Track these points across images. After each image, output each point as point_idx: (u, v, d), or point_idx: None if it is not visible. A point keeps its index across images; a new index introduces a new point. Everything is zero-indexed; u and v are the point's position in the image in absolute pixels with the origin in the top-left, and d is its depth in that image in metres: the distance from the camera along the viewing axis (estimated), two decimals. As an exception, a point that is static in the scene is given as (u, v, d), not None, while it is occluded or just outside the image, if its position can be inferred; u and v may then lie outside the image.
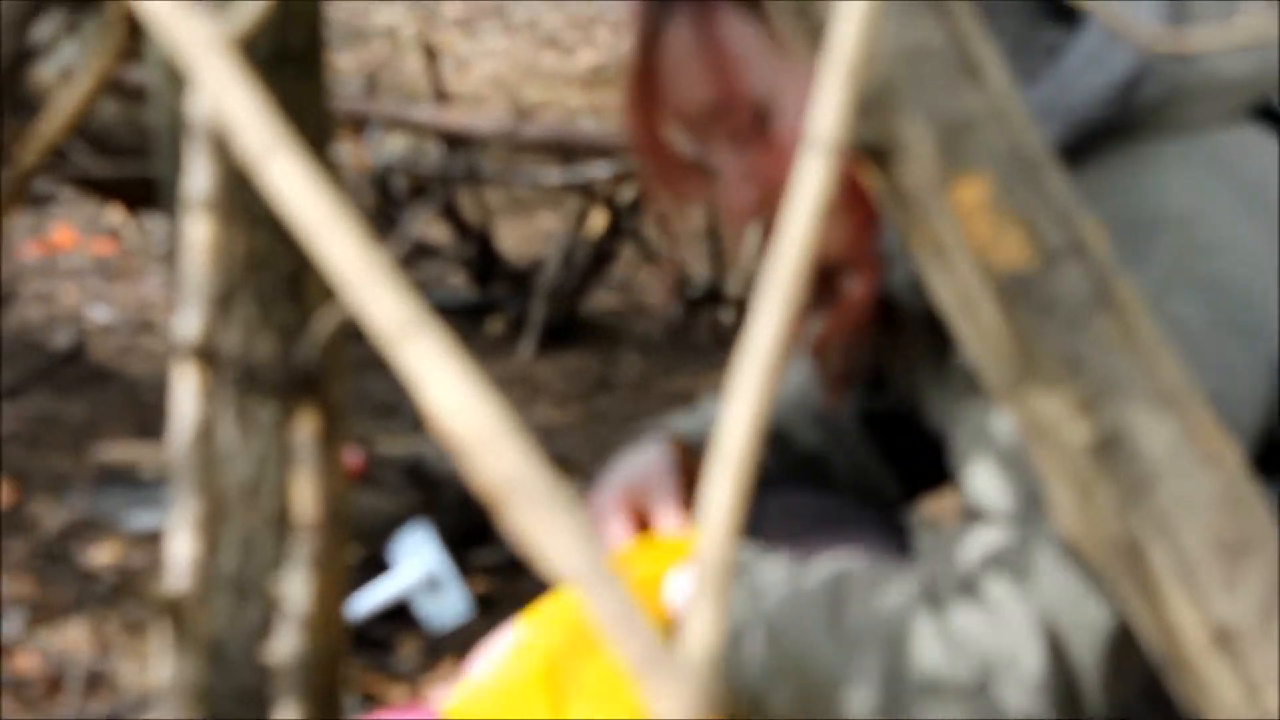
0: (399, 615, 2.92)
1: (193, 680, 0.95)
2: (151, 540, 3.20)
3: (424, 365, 0.71)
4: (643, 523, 1.82)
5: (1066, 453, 1.04)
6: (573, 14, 8.10)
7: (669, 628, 1.70)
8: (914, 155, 0.99)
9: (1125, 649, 1.54)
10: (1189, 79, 1.59)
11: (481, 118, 4.31)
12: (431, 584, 2.90)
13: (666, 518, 1.81)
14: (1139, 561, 1.04)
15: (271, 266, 1.44)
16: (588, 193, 4.14)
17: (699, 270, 4.18)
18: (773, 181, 1.63)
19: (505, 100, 6.75)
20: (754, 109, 1.66)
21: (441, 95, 4.33)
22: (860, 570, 1.68)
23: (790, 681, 1.66)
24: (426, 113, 4.16)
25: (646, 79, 1.71)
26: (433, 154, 4.67)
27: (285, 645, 1.14)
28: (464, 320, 4.39)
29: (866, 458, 1.99)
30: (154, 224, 4.98)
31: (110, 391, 3.86)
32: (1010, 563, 1.59)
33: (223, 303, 0.98)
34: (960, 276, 1.02)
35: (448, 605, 2.90)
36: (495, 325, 4.27)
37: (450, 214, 4.33)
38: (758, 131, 1.66)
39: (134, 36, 1.32)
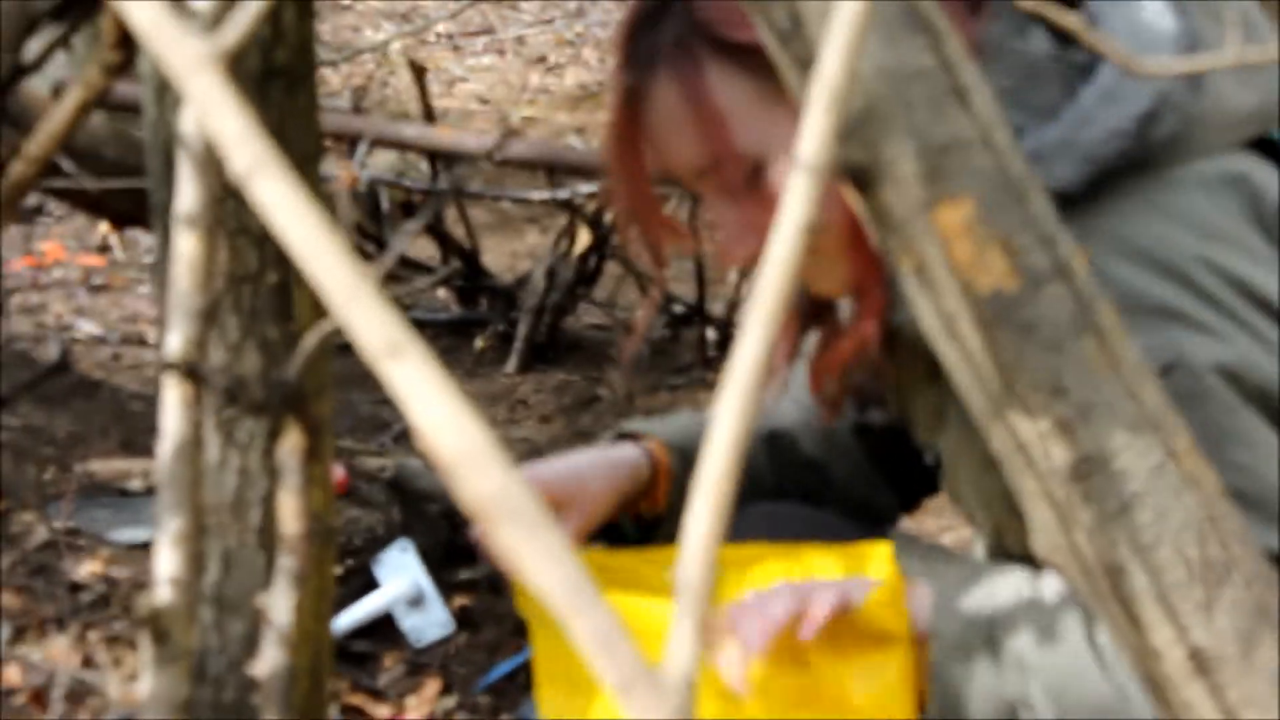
0: (381, 630, 2.92)
1: (176, 694, 0.95)
2: (137, 553, 3.20)
3: (410, 383, 0.71)
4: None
5: (1046, 474, 1.04)
6: (560, 34, 8.11)
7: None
8: (898, 176, 1.00)
9: None
10: (1200, 112, 1.59)
11: (468, 135, 4.31)
12: (413, 599, 2.90)
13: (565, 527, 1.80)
14: (1118, 583, 1.05)
15: (258, 282, 1.44)
16: (573, 210, 4.15)
17: (683, 289, 4.20)
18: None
19: (492, 118, 6.76)
20: (747, 163, 1.65)
21: (429, 113, 4.34)
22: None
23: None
24: (414, 130, 4.16)
25: (632, 138, 1.70)
26: (420, 170, 4.68)
27: (269, 660, 1.14)
28: (450, 336, 4.40)
29: (863, 468, 2.00)
30: (141, 238, 4.99)
31: (97, 404, 3.86)
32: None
33: (209, 318, 0.98)
34: (943, 297, 1.03)
35: (430, 620, 2.90)
36: (481, 341, 4.27)
37: (437, 230, 4.34)
38: (753, 184, 1.66)
39: (125, 51, 1.33)
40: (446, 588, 2.96)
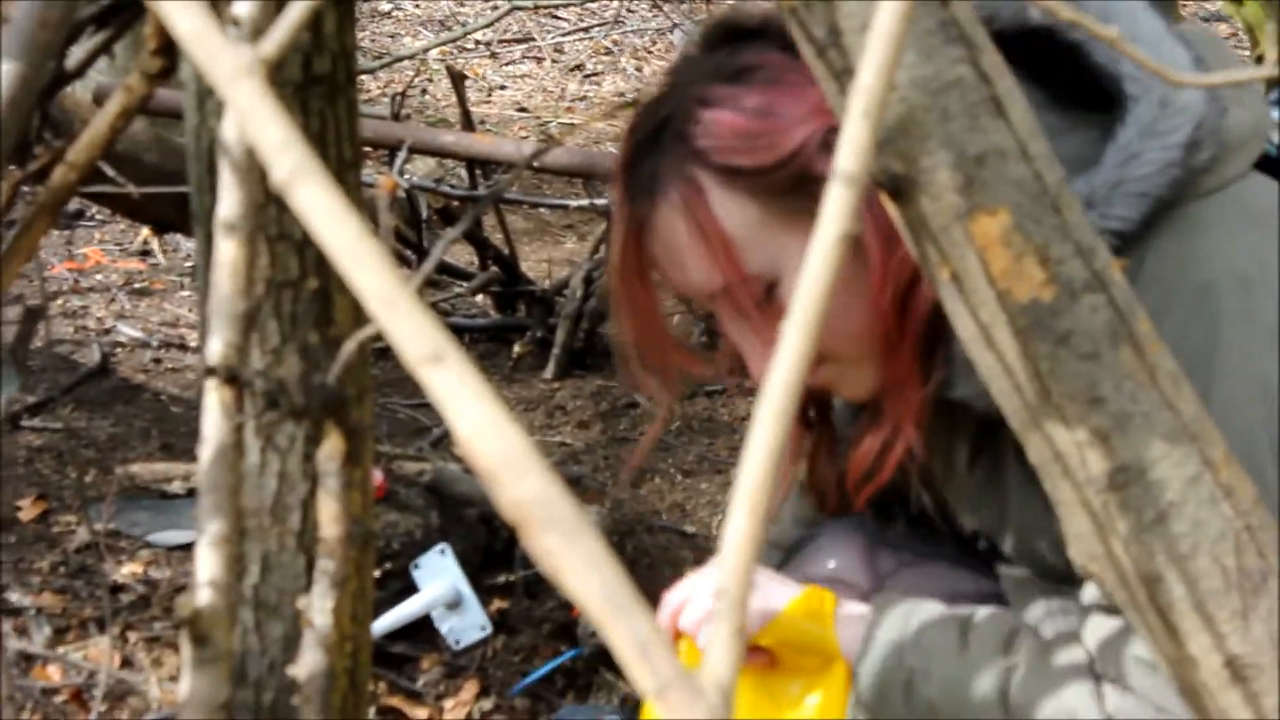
0: (419, 633, 2.93)
1: (215, 695, 0.95)
2: (176, 555, 3.22)
3: (449, 389, 0.72)
4: None
5: (1083, 482, 1.04)
6: (598, 41, 8.11)
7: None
8: (935, 186, 1.00)
9: None
10: (1228, 136, 1.59)
11: (507, 142, 4.32)
12: (452, 602, 2.91)
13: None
14: (1155, 592, 1.05)
15: (298, 288, 1.45)
16: (610, 217, 4.14)
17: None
18: None
19: (531, 125, 6.78)
20: (760, 283, 1.64)
21: (468, 120, 4.35)
22: (1029, 639, 1.67)
23: None
24: (453, 137, 4.17)
25: (638, 269, 1.68)
26: (459, 177, 4.69)
27: (308, 662, 1.14)
28: (488, 342, 4.41)
29: None
30: (182, 243, 5.01)
31: (137, 407, 3.88)
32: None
33: (249, 323, 0.99)
34: (980, 307, 1.03)
35: (467, 623, 2.91)
36: (519, 347, 4.28)
37: (475, 237, 4.35)
38: (767, 302, 1.65)
39: (167, 58, 1.34)
40: (484, 591, 2.97)
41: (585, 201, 4.25)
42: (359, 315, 1.49)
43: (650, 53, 8.07)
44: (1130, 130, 1.56)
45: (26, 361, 1.15)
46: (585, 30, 8.31)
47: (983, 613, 1.70)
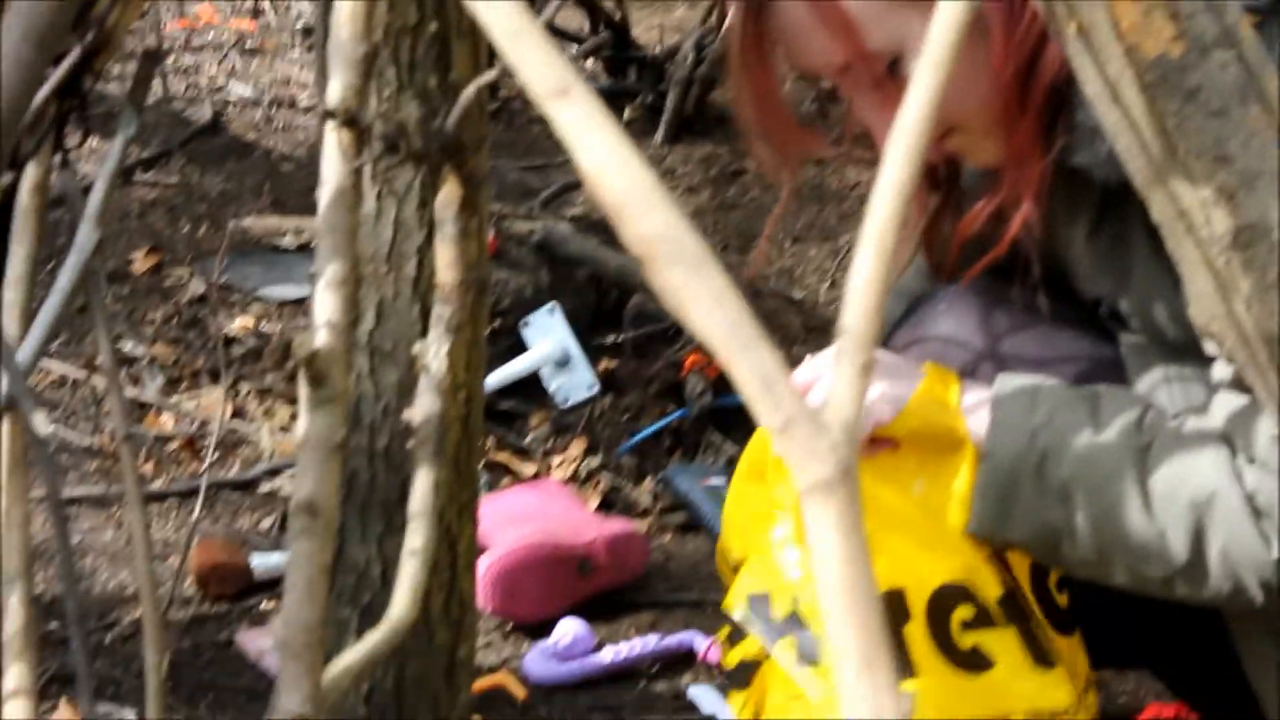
0: (528, 390, 2.95)
1: (332, 435, 0.96)
2: (287, 309, 3.25)
3: (576, 124, 0.72)
4: None
5: (1206, 241, 1.03)
6: None
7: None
8: (1067, -64, 0.98)
9: None
10: None
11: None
12: (561, 361, 2.93)
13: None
14: (1277, 352, 1.04)
15: (416, 34, 1.44)
16: (726, -10, 4.10)
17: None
18: None
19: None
20: (884, 58, 1.62)
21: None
22: (1161, 416, 1.66)
23: (1092, 527, 1.65)
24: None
25: (757, 49, 1.66)
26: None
27: (423, 406, 1.16)
28: (599, 106, 4.39)
29: None
30: (294, 4, 4.99)
31: (249, 164, 3.90)
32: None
33: (368, 67, 0.99)
34: (1107, 62, 1.01)
35: (576, 382, 2.93)
36: (629, 112, 4.26)
37: (586, 1, 4.32)
38: (892, 75, 1.63)
39: None
40: (593, 350, 2.99)
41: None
42: (477, 62, 1.49)
43: None
44: None
45: (143, 106, 1.15)
46: None
47: (1110, 390, 1.68)
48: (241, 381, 2.98)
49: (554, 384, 2.94)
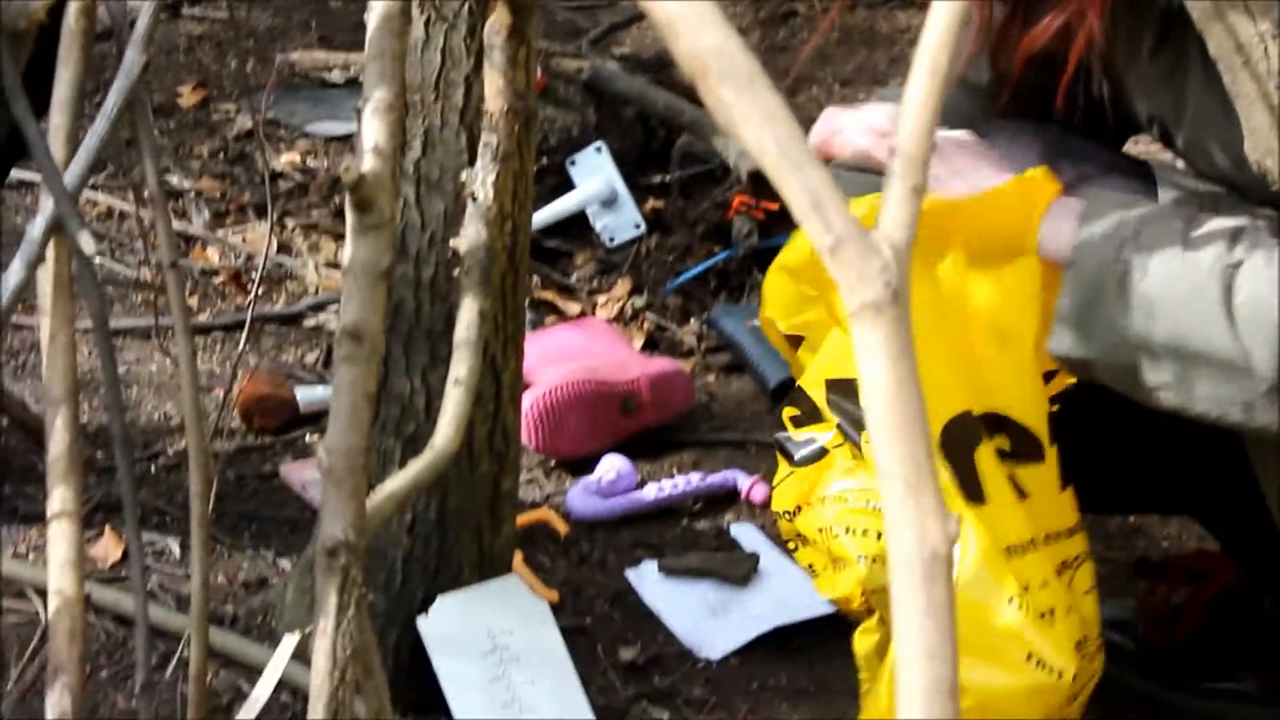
0: (574, 229, 2.94)
1: (378, 262, 0.96)
2: (334, 145, 3.24)
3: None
4: None
5: (1263, 75, 1.02)
6: None
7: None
8: None
9: None
10: None
11: None
12: (607, 200, 2.92)
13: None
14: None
15: None
16: None
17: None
18: None
19: None
20: None
21: None
22: (1260, 244, 1.63)
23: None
24: None
25: None
26: None
27: (470, 234, 1.15)
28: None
29: None
30: None
31: (296, 0, 3.87)
32: None
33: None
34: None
35: (622, 221, 2.92)
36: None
37: None
38: None
39: None
40: (639, 190, 2.97)
41: None
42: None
43: None
44: None
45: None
46: None
47: (1207, 213, 1.65)
48: (287, 216, 2.98)
49: (600, 223, 2.93)
